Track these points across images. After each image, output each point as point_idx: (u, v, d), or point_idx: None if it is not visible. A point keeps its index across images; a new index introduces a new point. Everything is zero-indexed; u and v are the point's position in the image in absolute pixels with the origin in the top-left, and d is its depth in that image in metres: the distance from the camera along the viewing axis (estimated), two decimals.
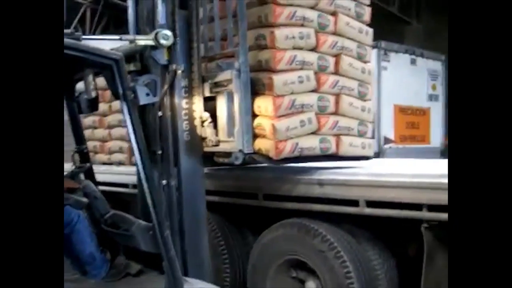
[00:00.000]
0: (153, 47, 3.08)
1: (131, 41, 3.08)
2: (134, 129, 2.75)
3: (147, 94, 2.85)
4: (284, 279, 3.60)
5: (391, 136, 7.15)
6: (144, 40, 3.06)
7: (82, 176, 3.34)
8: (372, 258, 3.33)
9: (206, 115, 3.28)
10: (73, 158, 3.40)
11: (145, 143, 2.79)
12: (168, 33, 3.05)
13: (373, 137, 5.69)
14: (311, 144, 3.43)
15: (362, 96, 3.72)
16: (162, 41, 3.04)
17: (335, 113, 3.56)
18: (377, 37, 6.85)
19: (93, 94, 2.85)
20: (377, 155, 6.75)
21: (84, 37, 2.75)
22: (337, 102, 3.56)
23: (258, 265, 3.68)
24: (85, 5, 12.30)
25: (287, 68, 3.34)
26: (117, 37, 3.12)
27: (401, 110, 7.31)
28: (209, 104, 3.35)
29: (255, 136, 3.36)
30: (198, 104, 3.27)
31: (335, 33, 3.59)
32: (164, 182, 3.16)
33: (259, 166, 3.74)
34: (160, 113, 3.18)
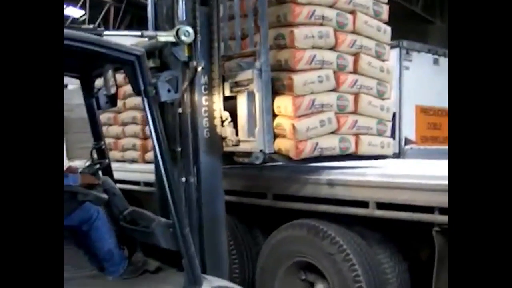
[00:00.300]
0: (173, 44, 3.08)
1: (152, 37, 3.08)
2: (155, 126, 2.75)
3: (169, 91, 2.84)
4: (293, 281, 3.54)
5: (412, 137, 7.05)
6: (165, 37, 3.06)
7: (100, 172, 3.34)
8: (383, 261, 3.24)
9: (226, 114, 3.27)
10: (92, 154, 3.41)
11: (165, 140, 2.80)
12: (189, 29, 3.05)
13: (393, 137, 5.62)
14: (331, 143, 3.42)
15: (381, 95, 3.70)
16: (183, 38, 3.03)
17: (354, 112, 3.55)
18: (399, 36, 6.74)
19: (113, 90, 2.85)
20: (398, 156, 6.66)
21: (106, 32, 2.76)
22: (356, 101, 3.55)
23: (267, 266, 3.62)
24: (108, 3, 12.38)
25: (306, 68, 3.33)
26: (138, 33, 3.13)
27: (423, 111, 7.20)
28: (229, 104, 3.34)
29: (275, 136, 3.35)
30: (218, 103, 3.26)
31: (353, 32, 3.57)
32: (183, 179, 3.16)
33: (270, 165, 3.68)
34: (180, 110, 3.18)
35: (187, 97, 3.19)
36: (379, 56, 3.71)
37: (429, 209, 2.78)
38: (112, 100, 3.30)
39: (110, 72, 2.74)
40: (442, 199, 2.64)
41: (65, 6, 16.45)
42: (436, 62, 7.24)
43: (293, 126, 3.25)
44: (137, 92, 2.77)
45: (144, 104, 2.78)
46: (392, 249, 3.29)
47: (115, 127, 5.31)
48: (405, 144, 6.93)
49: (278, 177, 3.62)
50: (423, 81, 6.95)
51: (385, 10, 3.77)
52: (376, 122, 3.66)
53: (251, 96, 3.22)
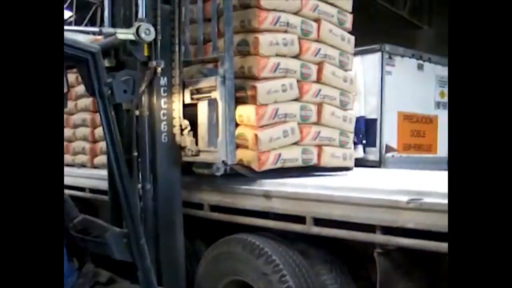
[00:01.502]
0: (132, 42, 2.92)
1: (111, 34, 2.90)
2: (109, 129, 2.61)
3: (125, 91, 2.71)
4: None
5: (394, 144, 6.76)
6: (124, 34, 2.90)
7: None
8: (327, 283, 2.87)
9: (186, 122, 3.12)
10: None
11: (120, 144, 2.63)
12: (150, 27, 2.91)
13: (373, 145, 5.44)
14: (294, 155, 3.31)
15: (344, 106, 3.63)
16: (144, 36, 2.89)
17: (317, 123, 3.45)
18: (385, 41, 6.55)
19: (64, 90, 2.66)
20: (378, 164, 6.49)
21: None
22: (319, 112, 3.45)
23: (204, 285, 3.27)
24: (96, 4, 12.03)
25: (270, 76, 3.21)
26: (96, 29, 2.96)
27: (406, 117, 6.93)
28: (189, 111, 3.19)
29: (236, 147, 3.22)
30: (177, 110, 3.11)
31: (318, 40, 3.48)
32: (139, 186, 3.01)
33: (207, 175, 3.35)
34: (137, 113, 3.03)
35: (145, 99, 3.05)
36: (342, 66, 3.63)
37: (369, 227, 2.50)
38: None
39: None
40: (384, 217, 2.44)
41: None
42: (420, 67, 7.00)
43: (256, 136, 3.12)
44: (91, 92, 2.61)
45: (98, 106, 2.62)
46: (339, 269, 2.93)
47: (67, 129, 5.04)
48: (386, 151, 6.67)
49: (215, 187, 3.31)
50: (406, 87, 6.73)
51: (349, 19, 3.70)
52: (339, 133, 3.58)
53: (213, 104, 3.07)
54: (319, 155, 3.45)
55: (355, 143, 6.19)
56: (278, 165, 3.23)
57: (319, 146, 3.45)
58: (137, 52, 2.98)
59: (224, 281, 3.07)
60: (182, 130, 3.13)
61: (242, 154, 3.20)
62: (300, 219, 2.77)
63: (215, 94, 3.01)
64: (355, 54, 5.99)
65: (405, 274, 2.46)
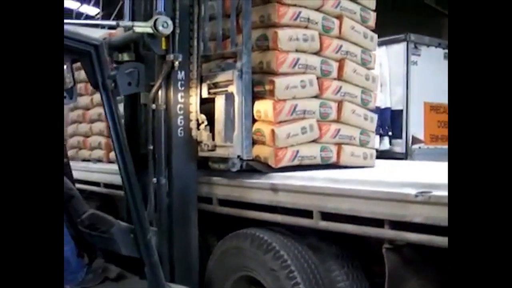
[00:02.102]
0: (150, 36, 2.92)
1: (129, 28, 2.91)
2: (113, 122, 2.60)
3: (129, 84, 2.70)
4: None
5: (421, 135, 6.59)
6: (142, 27, 2.90)
7: None
8: (338, 279, 2.74)
9: (203, 117, 3.10)
10: None
11: (125, 138, 2.63)
12: (168, 20, 2.90)
13: (400, 136, 5.24)
14: (312, 152, 3.25)
15: (365, 104, 3.55)
16: (161, 29, 2.88)
17: (337, 120, 3.39)
18: (411, 30, 6.42)
19: (70, 83, 2.66)
20: (405, 156, 6.35)
21: (75, 21, 2.58)
22: (339, 109, 3.39)
23: (213, 280, 3.21)
24: (122, 1, 12.24)
25: (289, 72, 3.16)
26: (113, 22, 2.97)
27: (432, 108, 6.72)
28: (206, 106, 3.17)
29: (253, 142, 3.19)
30: (194, 105, 3.10)
31: (339, 37, 3.42)
32: (154, 180, 2.99)
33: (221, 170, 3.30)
34: (154, 106, 3.02)
35: (162, 93, 3.04)
36: (364, 64, 3.56)
37: (377, 222, 2.39)
38: (70, 94, 3.10)
39: (67, 64, 2.55)
40: (393, 211, 2.31)
41: (79, 3, 16.51)
42: (447, 56, 6.73)
43: (273, 132, 3.07)
44: (94, 85, 2.60)
45: (102, 99, 2.61)
46: (351, 265, 2.81)
47: (83, 124, 5.10)
48: (413, 143, 6.51)
49: (222, 181, 3.24)
50: (432, 76, 6.50)
51: (372, 17, 3.63)
52: (360, 132, 3.51)
53: (230, 98, 3.04)
54: (338, 154, 3.38)
55: (381, 135, 6.09)
56: (296, 162, 3.18)
57: (339, 145, 3.39)
58: (155, 45, 2.97)
59: (233, 277, 3.02)
60: (198, 124, 3.11)
61: (259, 150, 3.16)
62: (308, 213, 2.70)
63: (232, 88, 2.99)
64: (380, 44, 5.94)
65: (416, 271, 2.35)
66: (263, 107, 3.14)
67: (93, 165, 4.80)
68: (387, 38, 6.20)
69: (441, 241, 2.07)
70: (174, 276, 3.04)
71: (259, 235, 2.88)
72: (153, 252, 2.72)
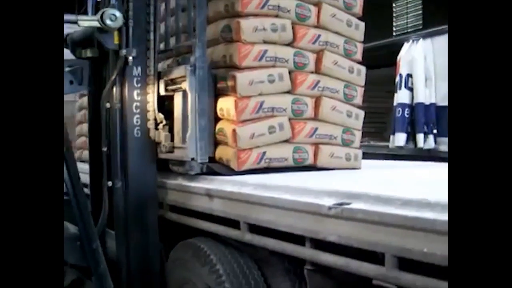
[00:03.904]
0: (100, 30, 2.73)
1: (73, 22, 2.72)
2: None
3: (71, 82, 2.52)
4: None
5: None
6: (88, 21, 2.71)
7: None
8: None
9: (161, 116, 2.88)
10: None
11: (68, 139, 2.46)
12: (116, 13, 2.70)
13: (435, 136, 4.89)
14: (283, 153, 2.96)
15: (348, 100, 3.22)
16: (109, 22, 2.70)
17: (314, 118, 3.08)
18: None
19: None
20: None
21: None
22: (316, 106, 3.08)
23: None
24: None
25: (255, 65, 2.88)
26: None
27: None
28: (166, 104, 2.95)
29: (217, 143, 2.94)
30: (152, 103, 2.88)
31: (317, 26, 3.10)
32: (109, 183, 2.82)
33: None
34: (108, 105, 2.84)
35: (117, 91, 2.84)
36: (348, 55, 3.23)
37: (298, 239, 2.06)
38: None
39: None
40: (310, 226, 1.97)
41: None
42: None
43: (234, 132, 2.81)
44: None
45: None
46: (303, 283, 2.36)
47: (84, 125, 4.99)
48: None
49: (172, 185, 2.98)
50: None
51: (358, 3, 3.29)
52: (342, 130, 3.18)
53: (186, 96, 2.80)
54: (315, 155, 3.08)
55: (425, 133, 5.68)
56: (263, 164, 2.90)
57: (316, 145, 3.08)
58: (106, 40, 2.79)
59: None
60: (157, 124, 2.90)
61: (222, 152, 2.92)
62: (236, 224, 2.41)
63: (185, 85, 2.75)
64: (425, 36, 5.55)
65: None
66: (225, 104, 2.89)
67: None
68: (431, 29, 5.77)
69: (357, 266, 1.76)
70: (133, 286, 2.87)
71: (199, 245, 2.63)
72: (100, 260, 2.58)
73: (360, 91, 3.29)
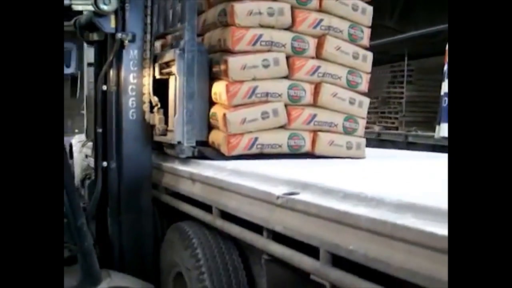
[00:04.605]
0: (96, 13, 2.77)
1: (67, 6, 2.77)
2: None
3: None
4: None
5: None
6: (81, 5, 2.76)
7: None
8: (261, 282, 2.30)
9: (156, 99, 2.90)
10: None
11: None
12: None
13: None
14: (277, 140, 2.92)
15: (352, 86, 3.12)
16: (103, 6, 2.73)
17: (313, 104, 3.00)
18: None
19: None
20: None
21: None
22: (316, 92, 3.00)
23: (163, 273, 2.90)
24: None
25: (249, 49, 2.84)
26: None
27: None
28: (162, 88, 2.97)
29: (211, 127, 2.94)
30: (147, 86, 2.90)
31: (319, 10, 3.01)
32: (104, 163, 2.88)
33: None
34: (104, 87, 2.89)
35: (113, 73, 2.88)
36: (354, 40, 3.12)
37: (257, 228, 2.02)
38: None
39: None
40: (263, 214, 1.93)
41: None
42: None
43: (225, 117, 2.79)
44: None
45: None
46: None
47: None
48: None
49: (165, 167, 3.00)
50: None
51: None
52: (344, 118, 3.09)
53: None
54: (313, 142, 3.01)
55: None
56: (254, 150, 2.87)
57: (314, 132, 3.01)
58: (103, 23, 2.83)
59: (172, 272, 2.77)
60: (152, 107, 2.92)
61: (214, 136, 2.92)
62: (210, 208, 2.40)
63: (174, 68, 2.75)
64: None
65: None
66: (218, 89, 2.87)
67: None
68: None
69: (298, 260, 1.71)
70: (125, 266, 2.92)
71: (185, 229, 2.61)
72: (84, 238, 2.63)
73: (366, 78, 3.17)
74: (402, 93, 8.92)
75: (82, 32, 3.11)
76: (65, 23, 2.97)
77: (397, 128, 8.74)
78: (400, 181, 2.18)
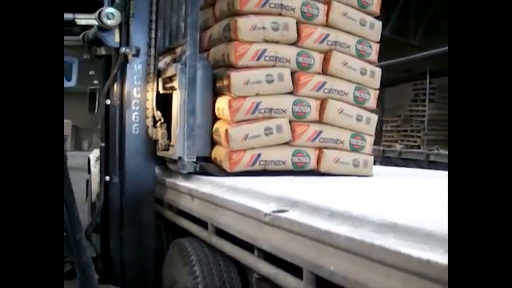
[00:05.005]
0: (100, 28, 2.78)
1: (71, 21, 2.79)
2: None
3: None
4: None
5: None
6: (85, 20, 2.77)
7: None
8: None
9: (159, 114, 2.89)
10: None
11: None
12: (114, 11, 2.75)
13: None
14: (280, 156, 2.87)
15: (359, 103, 3.05)
16: (106, 21, 2.74)
17: (319, 121, 2.95)
18: None
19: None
20: None
21: None
22: (322, 108, 2.94)
23: None
24: None
25: (252, 65, 2.82)
26: None
27: None
28: (165, 103, 2.96)
29: (214, 143, 2.91)
30: (151, 100, 2.89)
31: (326, 25, 2.97)
32: (107, 178, 2.87)
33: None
34: (108, 101, 2.89)
35: (117, 88, 2.89)
36: (361, 56, 3.06)
37: (248, 246, 1.98)
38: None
39: None
40: (252, 232, 1.88)
41: None
42: None
43: (227, 132, 2.76)
44: None
45: None
46: None
47: None
48: None
49: (168, 183, 2.98)
50: None
51: (374, 2, 3.10)
52: (351, 135, 3.02)
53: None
54: (318, 159, 2.95)
55: None
56: (257, 167, 2.82)
57: (320, 149, 2.95)
58: (107, 38, 2.84)
59: None
60: (155, 122, 2.91)
61: (217, 152, 2.88)
62: (205, 225, 2.36)
63: (176, 83, 2.73)
64: None
65: None
66: (221, 104, 2.85)
67: None
68: None
69: (283, 279, 1.64)
70: (126, 281, 2.90)
71: (185, 245, 2.57)
72: (82, 252, 2.61)
73: (374, 94, 3.11)
74: (424, 111, 8.79)
75: (90, 47, 3.13)
76: (68, 38, 3.02)
77: (419, 147, 8.60)
78: (397, 200, 2.10)
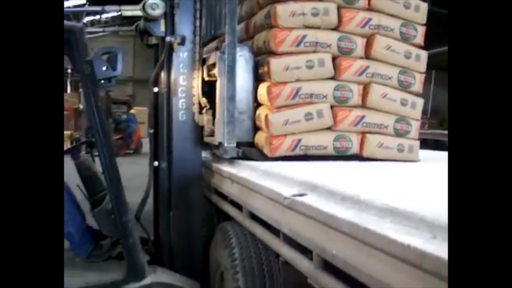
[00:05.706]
0: (146, 19, 2.90)
1: (116, 11, 2.93)
2: (89, 105, 2.64)
3: (106, 68, 2.69)
4: None
5: None
6: (130, 11, 2.90)
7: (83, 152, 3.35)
8: None
9: (204, 101, 2.99)
10: (87, 132, 3.45)
11: (103, 120, 2.71)
12: (158, 2, 2.85)
13: None
14: (322, 141, 2.88)
15: (404, 87, 3.00)
16: (150, 11, 2.84)
17: (362, 106, 2.93)
18: None
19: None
20: None
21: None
22: (365, 93, 2.92)
23: (211, 271, 2.96)
24: None
25: (292, 50, 2.84)
26: (99, 8, 3.03)
27: None
28: (210, 90, 3.04)
29: (256, 128, 2.97)
30: (196, 87, 3.00)
31: (369, 9, 2.93)
32: (156, 163, 3.01)
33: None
34: (155, 89, 3.02)
35: (164, 76, 3.01)
36: (406, 39, 3.00)
37: (275, 230, 2.03)
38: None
39: None
40: (279, 218, 1.90)
41: None
42: None
43: (267, 118, 2.81)
44: (76, 70, 2.69)
45: (82, 83, 2.69)
46: None
47: None
48: None
49: (215, 168, 3.05)
50: None
51: None
52: (395, 120, 2.98)
53: None
54: (361, 144, 2.93)
55: None
56: (298, 151, 2.86)
57: (362, 134, 2.93)
58: (153, 27, 2.95)
59: (218, 271, 2.82)
60: (201, 108, 3.01)
61: (259, 137, 2.94)
62: (239, 207, 2.46)
63: (216, 71, 2.81)
64: None
65: None
66: (262, 90, 2.90)
67: None
68: None
69: (299, 262, 1.68)
70: (174, 264, 3.01)
71: (227, 228, 2.66)
72: (129, 234, 2.74)
73: (419, 78, 3.04)
74: None
75: (142, 36, 3.26)
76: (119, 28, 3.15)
77: None
78: (420, 185, 2.07)
